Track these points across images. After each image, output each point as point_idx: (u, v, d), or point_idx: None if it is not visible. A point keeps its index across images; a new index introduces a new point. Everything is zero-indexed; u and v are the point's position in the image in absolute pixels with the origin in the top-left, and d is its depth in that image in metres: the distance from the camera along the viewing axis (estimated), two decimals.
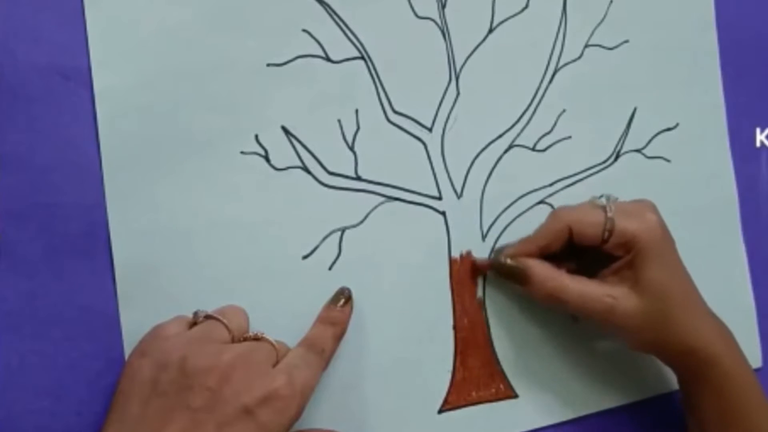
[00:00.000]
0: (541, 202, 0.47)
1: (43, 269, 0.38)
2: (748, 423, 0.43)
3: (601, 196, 0.44)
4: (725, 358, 0.43)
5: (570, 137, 0.48)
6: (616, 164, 0.49)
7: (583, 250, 0.44)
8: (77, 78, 0.39)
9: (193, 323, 0.39)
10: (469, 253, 0.46)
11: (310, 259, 0.42)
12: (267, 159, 0.42)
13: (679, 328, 0.42)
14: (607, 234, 0.42)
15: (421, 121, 0.45)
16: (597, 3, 0.49)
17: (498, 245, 0.46)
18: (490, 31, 0.46)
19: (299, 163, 0.43)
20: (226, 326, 0.38)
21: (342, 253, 0.43)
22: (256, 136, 0.42)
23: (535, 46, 0.48)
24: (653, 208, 0.44)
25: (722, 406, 0.43)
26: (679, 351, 0.43)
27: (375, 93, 0.44)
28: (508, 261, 0.44)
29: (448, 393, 0.45)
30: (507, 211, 0.47)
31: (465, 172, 0.46)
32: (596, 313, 0.42)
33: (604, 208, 0.43)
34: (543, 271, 0.43)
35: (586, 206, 0.44)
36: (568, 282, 0.42)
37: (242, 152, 0.41)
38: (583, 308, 0.42)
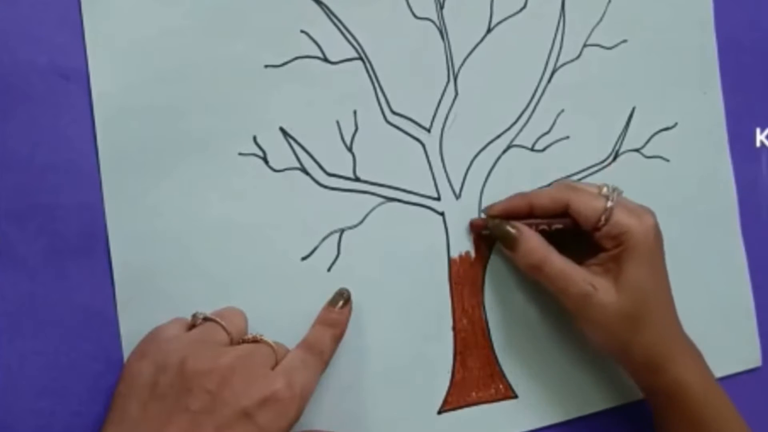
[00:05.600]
0: None
1: (43, 269, 0.38)
2: None
3: (607, 186, 0.44)
4: (696, 385, 0.42)
5: (568, 137, 0.48)
6: (615, 164, 0.49)
7: (575, 239, 0.44)
8: (76, 78, 0.39)
9: (192, 325, 0.39)
10: (468, 254, 0.46)
11: (309, 260, 0.42)
12: (265, 160, 0.42)
13: (645, 338, 0.42)
14: (602, 221, 0.42)
15: (420, 121, 0.45)
16: (595, 3, 0.49)
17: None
18: (489, 31, 0.46)
19: (297, 165, 0.43)
20: (225, 328, 0.38)
21: (341, 254, 0.43)
22: (255, 138, 0.42)
23: (534, 46, 0.47)
24: (653, 214, 0.44)
25: None
26: (643, 363, 0.43)
27: (373, 94, 0.44)
28: (503, 224, 0.44)
29: (448, 394, 0.45)
30: None
31: (463, 173, 0.46)
32: (572, 296, 0.42)
33: (606, 197, 0.43)
34: (533, 242, 0.43)
35: (592, 190, 0.44)
36: (554, 258, 0.42)
37: (240, 153, 0.41)
38: (561, 288, 0.42)
